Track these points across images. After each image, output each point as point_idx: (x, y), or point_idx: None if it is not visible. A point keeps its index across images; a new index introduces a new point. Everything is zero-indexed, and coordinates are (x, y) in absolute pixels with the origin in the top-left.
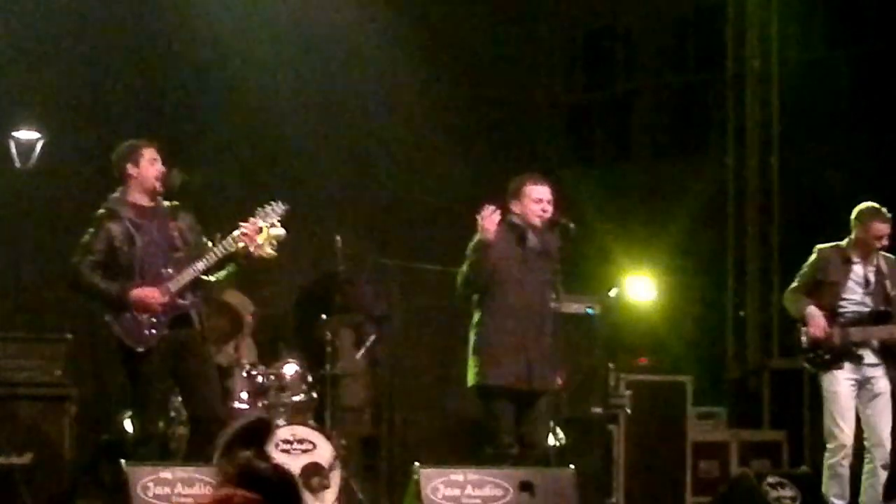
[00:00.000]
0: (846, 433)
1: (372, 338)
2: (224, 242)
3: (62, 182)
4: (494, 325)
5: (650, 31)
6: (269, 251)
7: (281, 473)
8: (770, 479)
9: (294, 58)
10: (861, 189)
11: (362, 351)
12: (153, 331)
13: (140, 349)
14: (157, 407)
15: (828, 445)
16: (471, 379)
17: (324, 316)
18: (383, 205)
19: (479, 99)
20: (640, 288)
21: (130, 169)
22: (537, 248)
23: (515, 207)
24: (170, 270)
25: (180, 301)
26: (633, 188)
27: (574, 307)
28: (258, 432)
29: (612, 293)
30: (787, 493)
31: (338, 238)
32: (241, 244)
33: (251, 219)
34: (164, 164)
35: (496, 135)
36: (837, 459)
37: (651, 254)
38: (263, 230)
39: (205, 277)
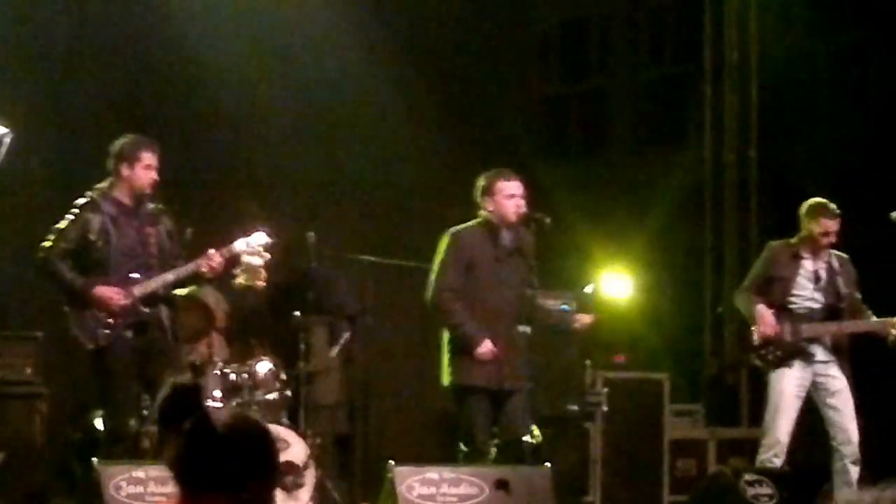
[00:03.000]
0: (783, 430)
1: (346, 335)
2: (194, 262)
3: (31, 179)
4: None
5: (627, 21)
6: (245, 280)
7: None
8: (747, 477)
9: (266, 52)
10: (840, 182)
11: (336, 349)
12: (107, 331)
13: (90, 346)
14: (125, 405)
15: (763, 441)
16: (444, 378)
17: (297, 313)
18: (357, 201)
19: (454, 92)
20: (616, 284)
21: (124, 169)
22: (510, 247)
23: (488, 205)
24: (138, 275)
25: (142, 307)
26: (609, 182)
27: (549, 303)
28: (182, 400)
29: (589, 289)
30: (765, 490)
31: (311, 234)
32: (203, 269)
33: (226, 247)
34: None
35: (471, 128)
36: (769, 456)
37: (628, 249)
38: (242, 258)
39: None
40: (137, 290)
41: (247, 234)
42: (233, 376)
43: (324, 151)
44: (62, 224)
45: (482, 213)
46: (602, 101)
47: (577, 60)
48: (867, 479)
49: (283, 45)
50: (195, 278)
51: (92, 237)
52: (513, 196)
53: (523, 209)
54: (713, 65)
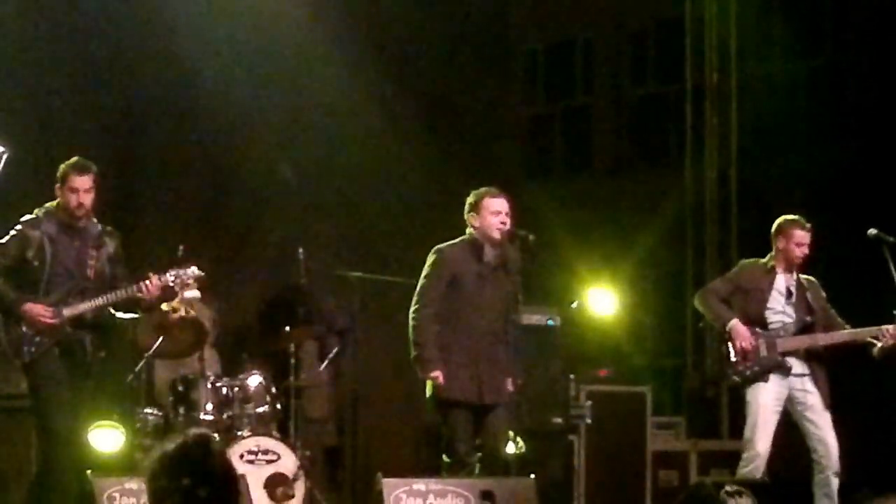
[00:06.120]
0: (763, 444)
1: (335, 349)
2: (128, 288)
3: (23, 196)
4: (449, 339)
5: (610, 43)
6: (182, 313)
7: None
8: (728, 488)
9: (254, 68)
10: (818, 201)
11: (325, 362)
12: (33, 349)
13: (17, 361)
14: (59, 411)
15: (743, 455)
16: (427, 390)
17: (287, 328)
18: (346, 218)
19: (441, 111)
20: (601, 300)
21: (58, 190)
22: (493, 263)
23: (475, 221)
24: (70, 297)
25: (69, 329)
26: (593, 200)
27: (535, 318)
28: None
29: (574, 305)
30: (746, 501)
31: (300, 250)
32: (139, 294)
33: (164, 276)
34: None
35: (457, 147)
36: (750, 469)
37: (611, 265)
38: (176, 291)
39: (113, 312)
40: (67, 311)
41: (179, 266)
42: (224, 390)
43: (313, 169)
44: (4, 239)
45: (469, 229)
46: (586, 121)
47: (562, 81)
48: (844, 491)
49: (273, 65)
50: (132, 304)
51: (29, 255)
52: (498, 213)
53: (507, 226)
54: (694, 86)
